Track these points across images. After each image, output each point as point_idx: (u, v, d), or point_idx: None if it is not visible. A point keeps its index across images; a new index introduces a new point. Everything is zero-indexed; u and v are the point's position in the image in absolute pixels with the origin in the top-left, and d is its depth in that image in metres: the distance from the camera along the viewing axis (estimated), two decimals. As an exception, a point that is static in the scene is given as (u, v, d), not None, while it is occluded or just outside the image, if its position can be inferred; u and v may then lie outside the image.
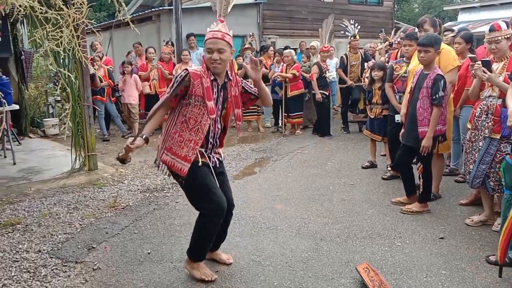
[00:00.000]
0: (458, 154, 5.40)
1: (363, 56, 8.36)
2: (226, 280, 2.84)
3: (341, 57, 8.65)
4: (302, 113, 8.44)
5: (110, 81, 7.99)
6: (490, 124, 3.57)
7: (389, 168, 5.43)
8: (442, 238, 3.61)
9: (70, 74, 5.19)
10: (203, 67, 2.80)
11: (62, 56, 4.96)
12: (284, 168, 5.97)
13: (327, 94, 8.03)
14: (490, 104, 3.59)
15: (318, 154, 6.80)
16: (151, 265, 3.24)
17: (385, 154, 5.85)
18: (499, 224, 3.71)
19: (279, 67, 8.43)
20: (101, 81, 7.87)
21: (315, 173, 5.70)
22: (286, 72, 8.10)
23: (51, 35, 4.64)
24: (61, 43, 4.63)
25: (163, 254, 3.41)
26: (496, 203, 4.02)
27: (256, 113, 8.88)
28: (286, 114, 8.40)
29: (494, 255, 3.20)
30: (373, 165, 5.89)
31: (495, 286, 2.86)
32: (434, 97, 3.86)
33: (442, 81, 3.85)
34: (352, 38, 8.30)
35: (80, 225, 4.05)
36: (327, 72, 8.12)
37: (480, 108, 3.69)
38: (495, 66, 3.61)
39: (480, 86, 3.77)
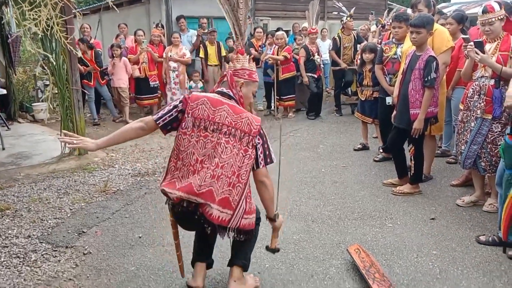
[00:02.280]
0: (449, 135, 5.41)
1: (356, 38, 8.29)
2: (217, 263, 2.83)
3: (333, 38, 8.56)
4: (294, 95, 8.38)
5: (96, 65, 7.82)
6: (482, 104, 3.55)
7: (381, 150, 5.42)
8: (433, 218, 3.62)
9: (49, 55, 5.06)
10: (233, 93, 2.49)
11: (48, 39, 4.85)
12: (276, 151, 5.91)
13: (316, 77, 7.97)
14: (483, 85, 3.57)
15: (311, 137, 6.78)
16: (142, 249, 3.22)
17: (377, 136, 5.84)
18: (489, 204, 3.75)
19: (271, 49, 8.33)
20: (87, 66, 7.73)
21: (307, 156, 5.68)
22: (277, 55, 8.02)
23: (29, 15, 4.47)
24: (40, 22, 4.48)
25: (154, 238, 3.40)
26: (487, 184, 4.03)
27: (248, 96, 8.81)
28: (278, 97, 8.34)
29: (484, 235, 3.23)
30: (365, 147, 5.89)
31: (485, 265, 2.88)
32: (426, 79, 3.83)
33: (434, 63, 3.82)
34: (348, 19, 8.18)
35: (71, 210, 4.01)
36: (315, 55, 8.04)
37: (472, 88, 3.67)
38: (487, 46, 3.57)
39: (472, 67, 3.74)
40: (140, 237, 3.41)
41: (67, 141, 2.44)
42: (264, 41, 9.09)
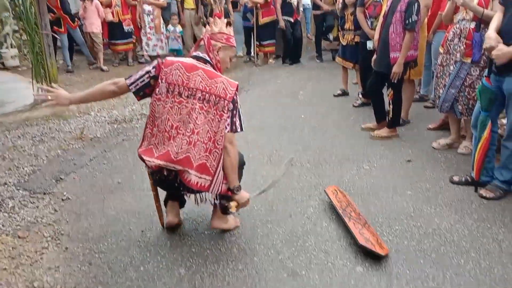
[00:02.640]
0: (428, 80, 5.43)
1: (338, -19, 8.03)
2: (195, 206, 2.84)
3: (315, -20, 8.30)
4: (274, 41, 8.21)
5: (62, 12, 7.40)
6: (462, 48, 3.54)
7: (360, 96, 5.43)
8: (409, 161, 3.70)
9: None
10: (210, 57, 2.44)
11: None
12: (256, 98, 5.90)
13: (292, 21, 7.76)
14: (463, 28, 3.54)
15: (291, 83, 6.72)
16: (122, 194, 3.22)
17: (357, 82, 5.83)
18: (464, 146, 3.84)
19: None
20: (54, 13, 7.32)
21: (287, 103, 5.66)
22: (257, -2, 7.76)
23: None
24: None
25: (134, 183, 3.39)
26: (462, 127, 4.11)
27: (227, 42, 8.59)
28: (258, 43, 8.17)
29: (457, 175, 3.33)
30: (344, 93, 5.89)
31: (457, 204, 2.99)
32: (407, 22, 3.77)
33: (416, 5, 3.75)
34: None
35: (47, 157, 3.94)
36: None
37: (453, 31, 3.63)
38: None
39: (454, 9, 3.68)
40: (119, 183, 3.40)
41: (43, 97, 2.44)
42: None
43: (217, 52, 2.44)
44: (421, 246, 2.51)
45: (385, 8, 4.14)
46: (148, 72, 2.37)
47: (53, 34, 5.59)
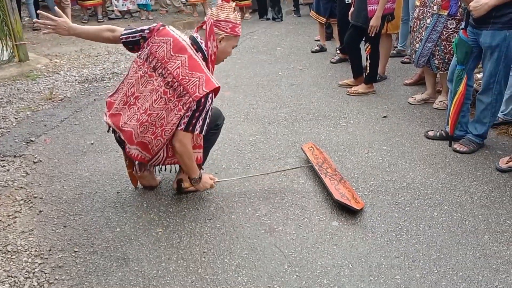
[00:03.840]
0: (406, 35, 5.38)
1: None
2: (172, 167, 2.81)
3: None
4: (250, -6, 7.96)
5: None
6: (439, 0, 3.48)
7: (338, 52, 5.36)
8: (385, 116, 3.72)
9: None
10: (206, 47, 2.29)
11: None
12: (233, 55, 5.73)
13: None
14: (441, -21, 3.46)
15: (268, 39, 6.58)
16: (95, 155, 3.15)
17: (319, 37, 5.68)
18: (439, 101, 3.87)
19: None
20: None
21: (264, 59, 5.55)
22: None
23: None
24: None
25: (107, 144, 3.31)
26: (438, 82, 4.12)
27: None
28: (233, -3, 7.89)
29: (432, 130, 3.37)
30: (322, 49, 5.80)
31: (431, 158, 3.03)
32: (385, -28, 3.66)
33: (394, -46, 3.63)
34: None
35: (16, 119, 3.80)
36: None
37: (430, -17, 3.56)
38: None
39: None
40: (92, 144, 3.32)
41: (41, 25, 2.29)
42: None
43: (219, 41, 2.29)
44: (395, 200, 2.55)
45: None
46: (142, 31, 2.30)
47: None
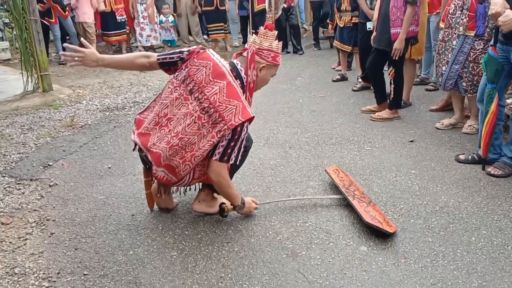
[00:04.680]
0: (429, 62, 5.28)
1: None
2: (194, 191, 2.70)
3: (311, -34, 8.12)
4: (271, 29, 8.03)
5: (51, 0, 7.20)
6: (465, 20, 3.38)
7: (360, 80, 5.28)
8: (411, 141, 3.55)
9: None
10: (246, 74, 2.23)
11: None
12: (252, 84, 5.72)
13: (286, 6, 7.56)
14: (466, -1, 3.38)
15: (288, 70, 6.56)
16: (112, 179, 3.07)
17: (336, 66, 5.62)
18: (469, 126, 3.70)
19: (245, -22, 7.87)
20: (43, 3, 7.14)
21: (284, 88, 5.50)
22: (252, -16, 7.58)
23: None
24: None
25: (125, 168, 3.24)
26: (466, 107, 3.96)
27: (223, 31, 8.44)
28: (254, 31, 7.97)
29: (463, 154, 3.18)
30: (343, 78, 5.73)
31: (464, 182, 2.84)
32: (408, -5, 3.61)
33: (417, -23, 3.59)
34: None
35: (35, 144, 3.79)
36: None
37: (454, 4, 3.47)
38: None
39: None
40: (109, 168, 3.25)
41: (67, 57, 2.23)
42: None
43: (260, 70, 2.24)
44: (428, 224, 2.36)
45: (384, -17, 3.97)
46: (181, 52, 2.26)
47: (42, 21, 5.38)
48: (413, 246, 2.17)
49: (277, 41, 2.27)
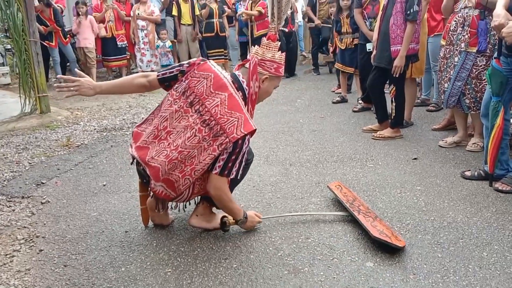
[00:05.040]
0: (429, 84, 5.26)
1: (332, -7, 7.96)
2: (191, 206, 2.59)
3: (309, -6, 8.25)
4: (270, 54, 8.08)
5: (55, 25, 7.27)
6: (466, 37, 3.35)
7: (360, 101, 5.24)
8: (415, 158, 3.46)
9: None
10: (248, 86, 2.17)
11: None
12: (252, 106, 5.68)
13: (287, 31, 7.64)
14: (467, 16, 3.36)
15: (288, 93, 6.55)
16: (106, 196, 2.96)
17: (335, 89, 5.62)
18: (473, 143, 3.62)
19: (244, 4, 7.97)
20: (46, 26, 7.21)
21: (284, 110, 5.46)
22: (251, 10, 7.67)
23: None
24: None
25: (120, 185, 3.14)
26: (469, 126, 3.90)
27: (223, 57, 8.48)
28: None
29: (469, 170, 3.09)
30: (343, 100, 5.69)
31: (471, 198, 2.73)
32: (408, 12, 3.61)
33: (416, -6, 3.59)
34: None
35: (30, 163, 3.70)
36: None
37: (455, 21, 3.46)
38: (470, -26, 3.35)
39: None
40: (104, 185, 3.15)
41: (64, 89, 2.19)
42: (237, -2, 8.72)
43: (262, 81, 2.18)
44: (436, 239, 2.24)
45: (383, 1, 3.98)
46: (180, 65, 2.20)
47: (43, 43, 5.39)
48: (422, 262, 2.05)
49: (280, 52, 2.22)
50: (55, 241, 2.37)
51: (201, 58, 2.27)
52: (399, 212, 2.56)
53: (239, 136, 2.02)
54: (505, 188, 2.80)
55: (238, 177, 2.17)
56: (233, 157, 2.06)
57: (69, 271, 2.08)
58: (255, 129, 2.09)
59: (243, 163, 2.14)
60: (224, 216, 2.31)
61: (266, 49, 2.19)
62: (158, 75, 2.24)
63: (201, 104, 2.09)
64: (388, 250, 2.12)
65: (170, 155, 2.08)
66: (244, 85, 2.17)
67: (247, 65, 2.20)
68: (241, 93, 2.14)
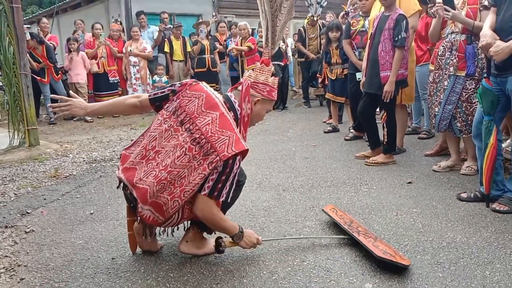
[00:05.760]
0: (419, 112, 5.30)
1: (321, 28, 8.15)
2: (180, 231, 2.50)
3: (299, 30, 8.43)
4: (261, 88, 8.16)
5: (48, 61, 7.32)
6: (454, 61, 3.40)
7: (352, 130, 5.24)
8: (410, 182, 3.42)
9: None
10: (240, 107, 2.15)
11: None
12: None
13: (282, 65, 7.77)
14: (454, 41, 3.42)
15: (279, 124, 6.55)
16: (93, 224, 2.85)
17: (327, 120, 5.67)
18: (467, 167, 3.60)
19: (234, 41, 8.12)
20: (39, 62, 7.25)
21: (276, 139, 5.43)
22: (241, 45, 7.79)
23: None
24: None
25: (108, 213, 3.03)
26: (462, 151, 3.89)
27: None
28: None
29: (465, 192, 3.04)
30: (335, 130, 5.69)
31: (469, 219, 2.67)
32: (396, 38, 3.67)
33: (404, 22, 3.67)
34: (313, 17, 7.89)
35: (15, 194, 3.59)
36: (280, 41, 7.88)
37: (443, 46, 3.51)
38: (455, 1, 3.43)
39: (440, 25, 3.59)
40: (91, 214, 3.04)
41: (55, 109, 2.21)
42: (228, 35, 8.88)
43: (254, 104, 2.17)
44: (436, 259, 2.16)
45: (371, 30, 4.05)
46: (172, 85, 2.19)
47: (34, 76, 5.39)
48: (423, 282, 1.96)
49: (273, 77, 2.22)
50: (37, 270, 2.25)
51: (193, 79, 2.25)
52: (396, 234, 2.48)
53: (229, 155, 1.96)
54: (502, 208, 2.75)
55: (229, 200, 2.09)
56: (223, 178, 1.99)
57: (51, 300, 1.96)
58: (247, 149, 2.04)
59: (234, 185, 2.07)
60: (219, 237, 2.22)
61: (260, 72, 2.19)
62: (150, 95, 2.22)
63: (191, 122, 2.05)
64: (387, 271, 2.03)
65: (159, 175, 2.01)
66: (236, 106, 2.14)
67: (240, 87, 2.18)
68: (232, 114, 2.11)
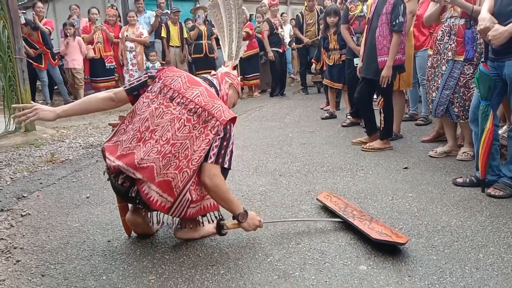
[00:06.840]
0: (416, 98, 5.29)
1: (319, 14, 8.08)
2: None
3: (297, 15, 8.33)
4: (258, 74, 8.12)
5: (44, 47, 7.25)
6: (453, 45, 3.38)
7: (349, 116, 5.23)
8: (406, 168, 3.43)
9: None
10: (222, 93, 2.26)
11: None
12: (241, 122, 5.63)
13: (281, 51, 7.73)
14: (453, 25, 3.40)
15: (277, 110, 6.53)
16: (89, 208, 2.85)
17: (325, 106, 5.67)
18: (463, 153, 3.60)
19: (233, 26, 8.04)
20: (35, 48, 7.17)
21: (273, 125, 5.42)
22: (240, 31, 7.73)
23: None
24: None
25: (104, 197, 3.03)
26: (458, 137, 3.89)
27: (211, 77, 8.48)
28: (242, 76, 8.05)
29: (461, 177, 3.05)
30: (332, 116, 5.68)
31: (464, 203, 2.68)
32: (393, 23, 3.64)
33: (402, 6, 3.64)
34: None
35: (11, 178, 3.58)
36: (278, 28, 7.82)
37: (442, 30, 3.49)
38: (454, -15, 3.39)
39: (440, 10, 3.56)
40: (87, 197, 3.04)
41: (22, 117, 2.09)
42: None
43: (228, 88, 2.30)
44: (431, 242, 2.18)
45: (368, 15, 4.02)
46: (147, 73, 2.19)
47: (30, 61, 5.33)
48: (417, 264, 1.97)
49: (240, 77, 2.37)
50: (33, 252, 2.26)
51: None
52: (391, 218, 2.49)
53: (227, 119, 2.05)
54: (497, 193, 2.76)
55: (230, 167, 2.10)
56: (225, 143, 2.04)
57: (47, 281, 1.96)
58: (236, 117, 2.14)
59: (233, 152, 2.12)
60: (221, 219, 2.21)
61: (231, 68, 2.44)
62: (125, 87, 2.19)
63: (181, 97, 2.09)
64: (384, 252, 2.04)
65: (162, 150, 1.99)
66: (215, 82, 2.27)
67: (214, 76, 2.33)
68: (214, 89, 2.21)
